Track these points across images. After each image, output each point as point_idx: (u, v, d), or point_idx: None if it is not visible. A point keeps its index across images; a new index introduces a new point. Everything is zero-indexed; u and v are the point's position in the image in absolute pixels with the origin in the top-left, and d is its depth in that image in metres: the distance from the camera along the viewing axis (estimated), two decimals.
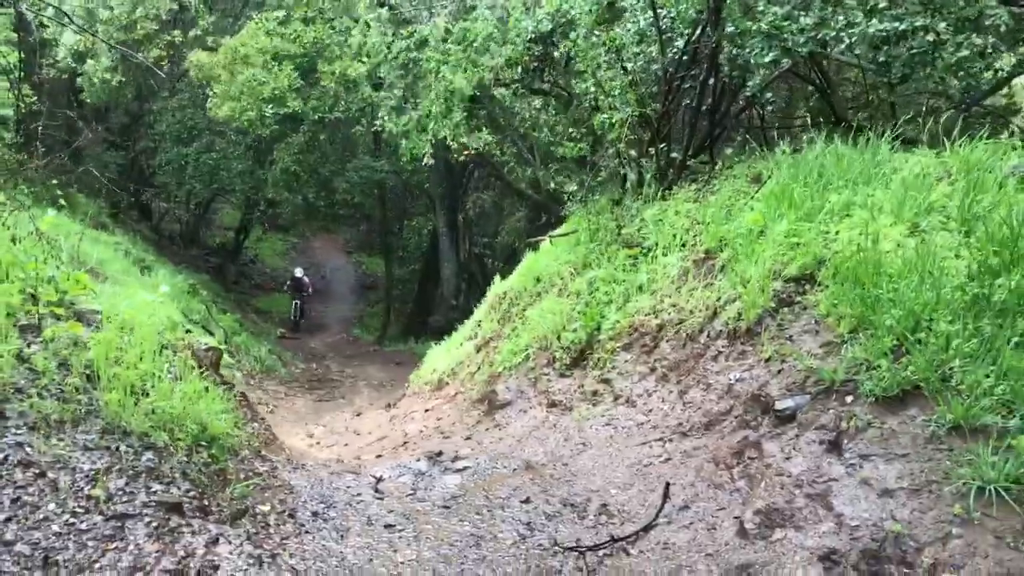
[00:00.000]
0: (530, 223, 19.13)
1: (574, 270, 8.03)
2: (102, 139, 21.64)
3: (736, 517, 3.93)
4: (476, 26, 9.12)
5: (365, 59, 11.34)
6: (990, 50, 8.91)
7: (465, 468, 5.34)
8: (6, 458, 3.58)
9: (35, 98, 12.46)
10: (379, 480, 5.20)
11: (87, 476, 3.71)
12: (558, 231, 9.26)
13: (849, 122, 9.71)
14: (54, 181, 9.94)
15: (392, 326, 23.93)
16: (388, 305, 24.52)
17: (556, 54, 8.14)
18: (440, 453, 5.73)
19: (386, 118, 10.77)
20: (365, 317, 27.14)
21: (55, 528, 3.33)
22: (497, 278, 10.81)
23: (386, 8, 12.19)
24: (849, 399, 4.17)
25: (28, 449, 3.69)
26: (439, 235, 20.02)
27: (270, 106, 13.67)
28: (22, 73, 11.34)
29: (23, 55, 11.93)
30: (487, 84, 9.75)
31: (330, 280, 32.01)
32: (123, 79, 15.35)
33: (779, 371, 4.81)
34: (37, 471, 3.60)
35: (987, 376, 3.79)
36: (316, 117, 15.26)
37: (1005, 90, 11.36)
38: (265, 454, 5.44)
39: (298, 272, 23.96)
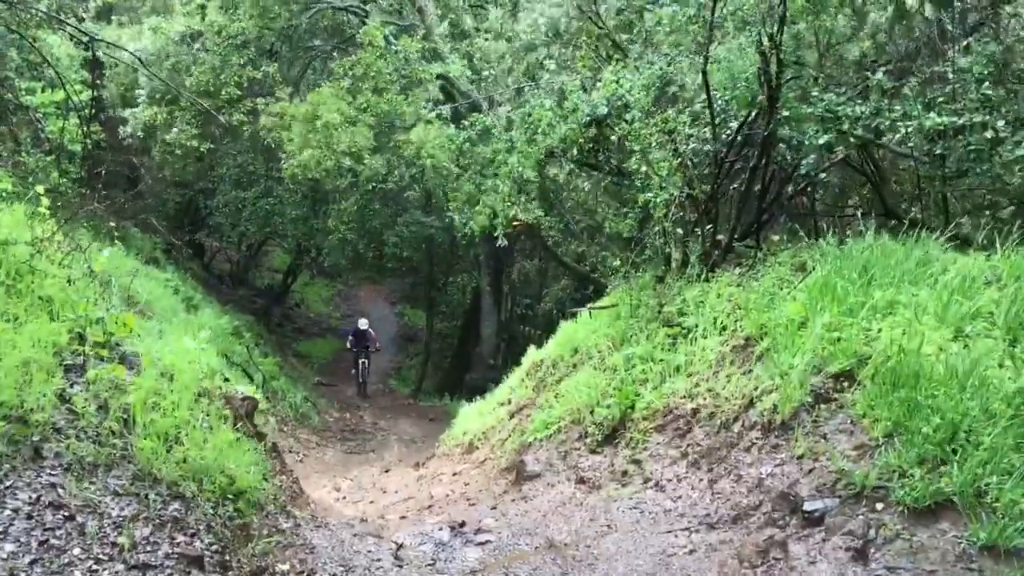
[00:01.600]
0: (572, 293, 19.22)
1: (612, 344, 8.03)
2: (163, 177, 22.30)
3: None
4: (538, 112, 9.30)
5: (428, 154, 11.67)
6: None
7: (487, 542, 5.31)
8: (39, 498, 3.65)
9: (103, 135, 12.94)
10: (400, 547, 5.19)
11: (114, 522, 3.76)
12: (599, 304, 9.28)
13: (900, 216, 9.68)
14: (111, 223, 10.25)
15: (428, 380, 23.96)
16: (426, 358, 24.56)
17: (612, 137, 8.25)
18: (463, 524, 5.71)
19: (456, 217, 11.15)
20: (403, 369, 27.21)
21: (78, 574, 3.37)
22: (531, 347, 10.83)
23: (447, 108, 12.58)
24: (879, 506, 4.09)
25: (60, 491, 3.75)
26: (482, 294, 20.14)
27: (347, 159, 13.98)
28: (92, 111, 11.80)
29: (95, 93, 12.42)
30: (542, 162, 9.93)
31: (373, 329, 32.23)
32: (205, 145, 15.98)
33: (810, 470, 4.74)
34: (67, 514, 3.66)
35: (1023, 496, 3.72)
36: (370, 187, 15.56)
37: None
38: (290, 509, 5.47)
39: (363, 324, 20.81)
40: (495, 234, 11.23)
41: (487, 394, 13.83)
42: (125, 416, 4.47)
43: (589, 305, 9.28)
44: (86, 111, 11.03)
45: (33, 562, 3.32)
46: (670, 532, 5.25)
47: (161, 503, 4.07)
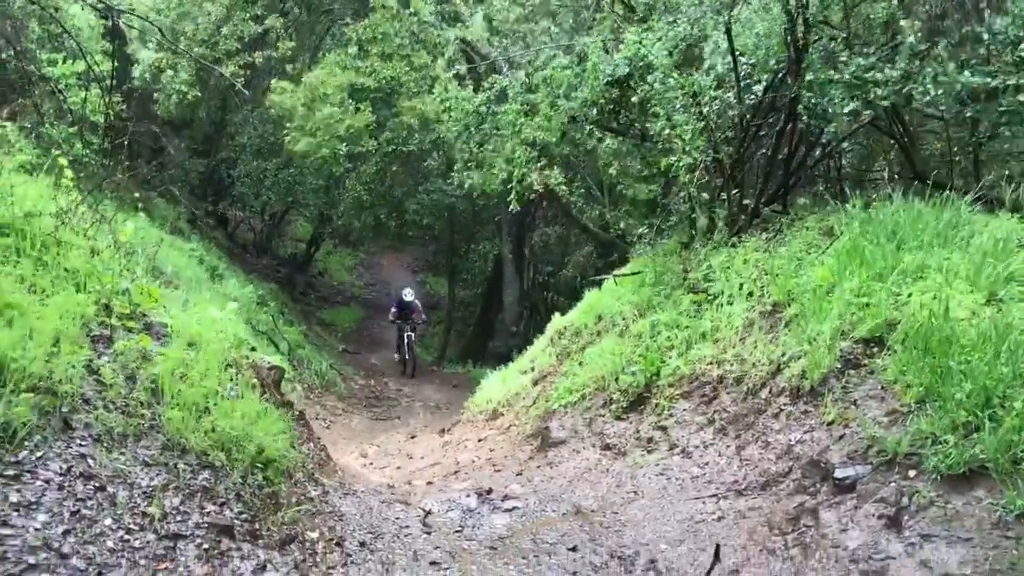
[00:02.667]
0: (595, 260, 19.11)
1: (637, 311, 7.98)
2: (185, 147, 22.30)
3: None
4: (560, 74, 9.16)
5: (448, 116, 11.51)
6: None
7: (514, 508, 5.32)
8: (69, 469, 3.67)
9: (124, 106, 12.91)
10: (428, 513, 5.21)
11: (144, 492, 3.78)
12: (623, 271, 9.21)
13: (929, 179, 9.50)
14: (136, 194, 10.25)
15: (451, 348, 24.02)
16: (449, 326, 24.61)
17: (633, 98, 8.12)
18: (490, 491, 5.72)
19: (465, 174, 10.93)
20: (426, 336, 27.29)
21: (110, 544, 3.40)
22: (557, 313, 10.79)
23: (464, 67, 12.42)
24: (912, 473, 4.05)
25: (91, 461, 3.78)
26: (504, 262, 20.08)
27: (344, 144, 13.89)
28: (114, 82, 11.77)
29: (116, 63, 12.38)
30: (563, 125, 9.79)
31: (394, 298, 32.34)
32: (199, 94, 15.81)
33: (840, 436, 4.70)
34: (97, 484, 3.68)
35: None
36: (390, 149, 15.46)
37: None
38: (318, 477, 5.49)
39: (408, 295, 18.86)
40: (508, 200, 11.13)
41: (510, 362, 13.87)
42: (153, 386, 4.48)
43: (614, 272, 9.20)
44: (107, 82, 10.98)
45: (66, 532, 3.35)
46: (698, 499, 5.24)
47: (191, 473, 4.10)
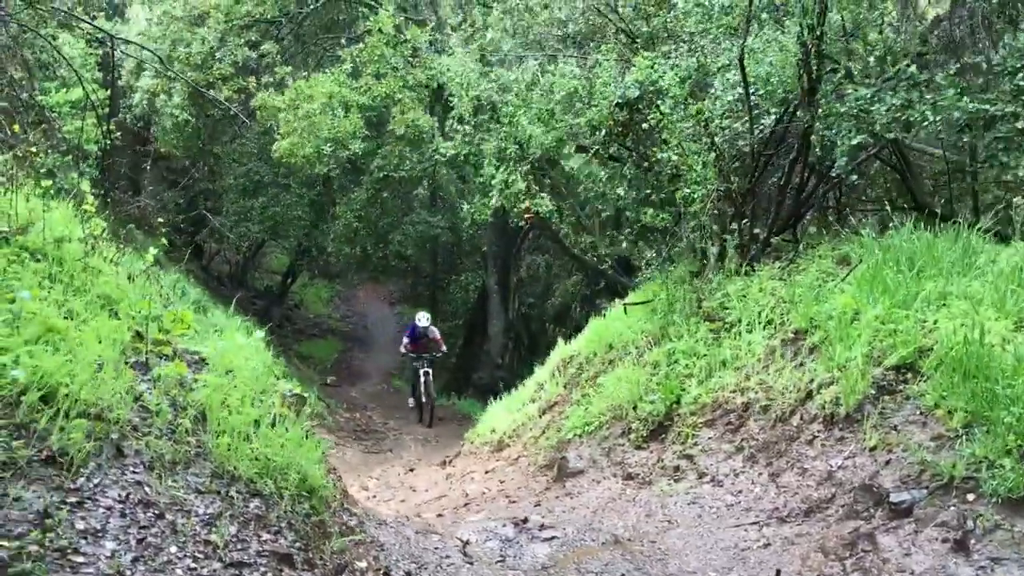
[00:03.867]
0: (583, 288, 19.14)
1: (652, 340, 7.97)
2: (163, 178, 22.13)
3: None
4: (561, 81, 9.22)
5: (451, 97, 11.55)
6: None
7: (553, 538, 5.25)
8: (128, 496, 3.57)
9: (119, 135, 12.82)
10: (466, 544, 5.12)
11: (202, 520, 3.69)
12: (632, 299, 9.22)
13: (929, 208, 9.66)
14: (132, 224, 10.18)
15: (434, 380, 23.87)
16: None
17: (644, 124, 8.18)
18: (526, 520, 5.64)
19: (487, 162, 10.90)
20: (406, 370, 27.12)
21: (179, 572, 3.30)
22: (560, 342, 10.76)
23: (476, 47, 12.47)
24: (970, 497, 4.06)
25: (147, 489, 3.67)
26: (489, 293, 20.05)
27: (328, 145, 13.84)
28: (108, 111, 11.68)
29: (111, 92, 12.31)
30: (561, 145, 9.85)
31: (372, 330, 32.14)
32: (192, 118, 15.74)
33: (887, 462, 4.71)
34: (157, 512, 3.58)
35: None
36: (381, 175, 15.46)
37: None
38: (347, 507, 5.39)
39: (423, 320, 15.99)
40: (512, 211, 11.12)
41: (496, 394, 13.85)
42: (197, 413, 4.39)
43: (624, 300, 9.21)
44: (101, 110, 10.88)
45: (135, 560, 3.24)
46: (738, 527, 5.20)
47: (242, 501, 4.00)
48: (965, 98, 8.07)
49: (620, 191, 9.18)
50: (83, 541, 3.22)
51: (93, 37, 11.17)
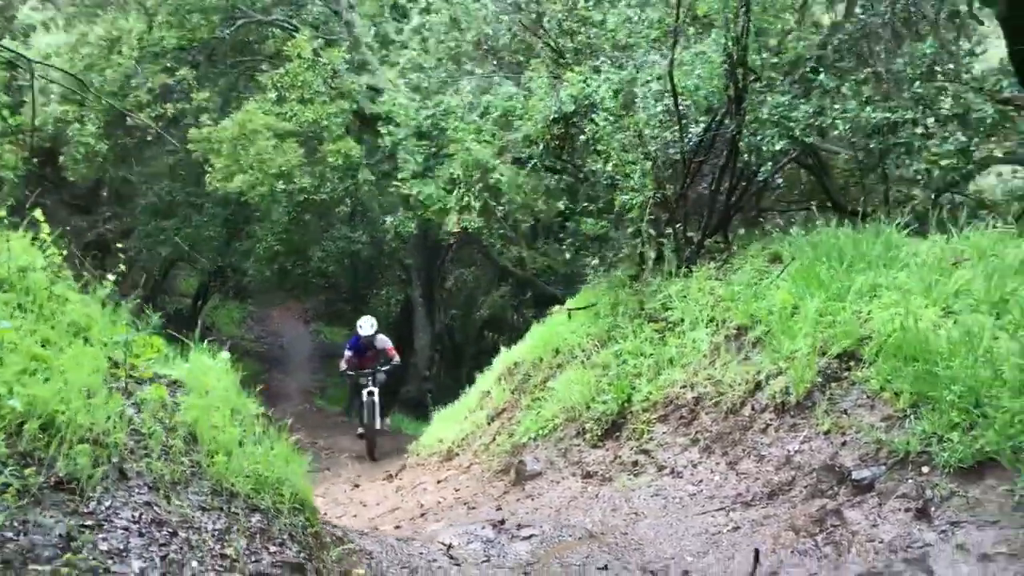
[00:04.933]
0: (511, 299, 19.40)
1: (598, 342, 8.25)
2: (67, 203, 21.51)
3: None
4: (497, 101, 9.44)
5: (393, 124, 11.59)
6: (972, 148, 9.56)
7: (532, 536, 5.44)
8: (141, 516, 3.62)
9: (34, 161, 12.50)
10: (450, 547, 5.27)
11: (213, 536, 3.76)
12: (575, 303, 9.50)
13: (844, 206, 10.24)
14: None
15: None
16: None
17: (581, 137, 8.49)
18: (503, 521, 5.82)
19: (411, 182, 10.91)
20: (328, 387, 26.87)
21: None
22: (503, 348, 10.97)
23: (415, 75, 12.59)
24: (925, 469, 4.42)
25: (156, 508, 3.73)
26: (414, 306, 20.11)
27: (280, 182, 13.80)
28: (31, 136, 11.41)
29: (32, 118, 12.00)
30: (496, 160, 10.08)
31: (288, 350, 31.73)
32: (107, 145, 15.43)
33: (843, 443, 5.06)
34: (170, 530, 3.64)
35: None
36: (302, 198, 15.44)
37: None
38: (328, 519, 5.49)
39: (366, 327, 13.15)
40: (448, 228, 11.28)
41: (428, 406, 13.90)
42: (187, 434, 4.44)
43: (567, 305, 9.48)
44: (22, 137, 10.63)
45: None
46: (705, 513, 5.49)
47: (244, 516, 4.08)
48: (868, 107, 8.62)
49: (560, 204, 9.47)
50: (110, 561, 3.27)
51: (6, 60, 10.87)
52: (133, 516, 3.59)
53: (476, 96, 10.32)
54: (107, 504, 3.60)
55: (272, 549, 3.93)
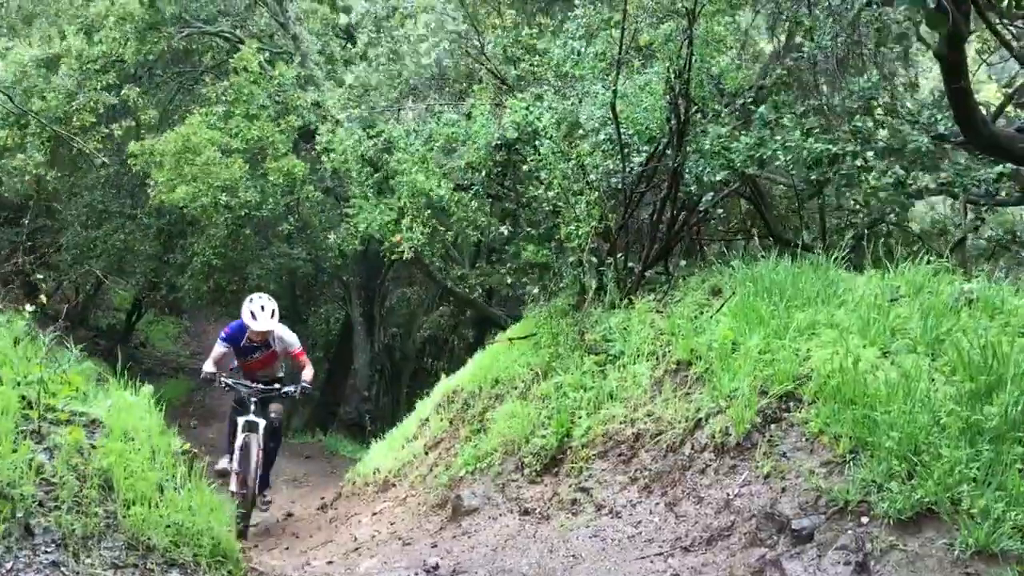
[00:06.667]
0: (450, 320, 19.23)
1: (538, 373, 8.14)
2: None
3: None
4: (440, 128, 9.35)
5: (332, 155, 11.39)
6: (910, 180, 9.71)
7: None
8: None
9: None
10: None
11: None
12: (515, 332, 9.39)
13: (781, 237, 10.32)
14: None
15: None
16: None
17: (524, 167, 8.43)
18: (437, 566, 5.65)
19: (360, 217, 10.71)
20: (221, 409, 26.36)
21: None
22: (443, 375, 10.81)
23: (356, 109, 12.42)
24: (864, 520, 4.38)
25: (63, 569, 3.51)
26: (353, 325, 19.82)
27: (223, 194, 13.49)
28: None
29: None
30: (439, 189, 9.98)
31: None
32: (55, 173, 15.07)
33: (783, 489, 5.00)
34: None
35: (996, 502, 4.06)
36: (242, 213, 15.13)
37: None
38: (253, 566, 5.27)
39: (261, 312, 8.38)
40: (395, 249, 11.14)
41: (367, 428, 13.59)
42: (102, 482, 4.20)
43: (508, 333, 9.37)
44: None
45: None
46: (643, 558, 5.39)
47: (161, 572, 3.86)
48: (810, 139, 8.70)
49: (504, 230, 9.40)
50: None
51: None
52: None
53: (420, 123, 10.20)
54: (8, 566, 3.37)
55: None
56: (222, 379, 8.61)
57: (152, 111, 14.76)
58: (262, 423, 8.51)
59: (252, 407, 8.52)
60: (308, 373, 8.97)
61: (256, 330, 8.49)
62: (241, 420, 8.47)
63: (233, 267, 18.79)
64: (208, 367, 8.62)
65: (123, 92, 14.77)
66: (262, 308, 8.49)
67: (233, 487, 8.48)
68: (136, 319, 27.75)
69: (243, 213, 14.77)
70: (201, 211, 13.72)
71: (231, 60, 14.01)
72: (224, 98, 13.68)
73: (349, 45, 16.66)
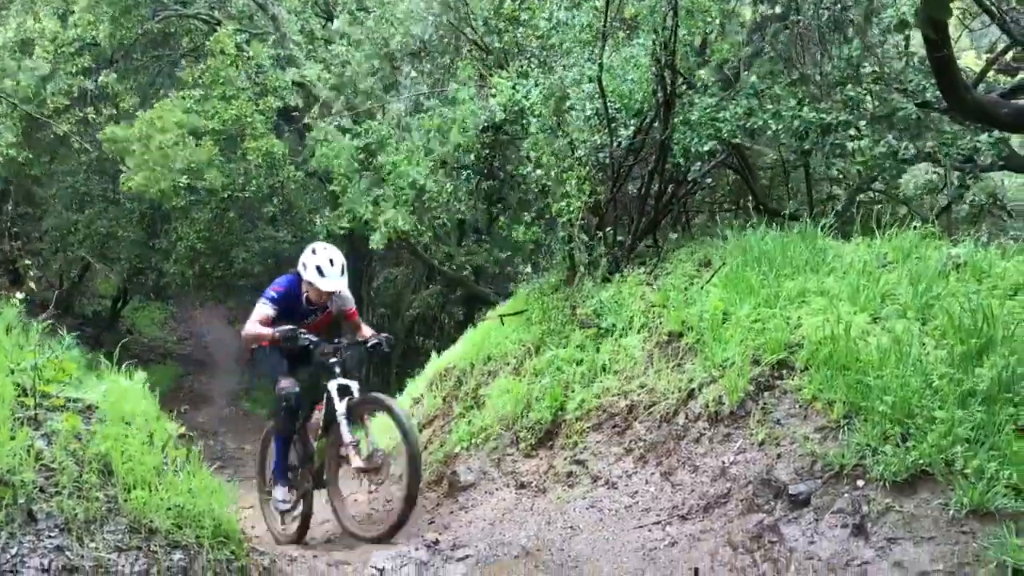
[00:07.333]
0: (440, 299, 19.20)
1: (531, 349, 8.16)
2: None
3: None
4: (431, 123, 9.31)
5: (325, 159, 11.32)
6: (901, 151, 9.72)
7: (467, 557, 5.32)
8: (51, 564, 3.41)
9: None
10: (382, 572, 5.13)
11: None
12: (506, 309, 9.40)
13: (769, 207, 10.34)
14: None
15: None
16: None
17: (512, 146, 8.41)
18: (437, 541, 5.68)
19: (347, 200, 10.64)
20: (253, 390, 26.29)
21: None
22: (434, 353, 10.82)
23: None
24: (861, 483, 4.43)
25: (68, 553, 3.52)
26: None
27: (184, 177, 13.37)
28: None
29: None
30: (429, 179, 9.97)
31: (212, 351, 31.00)
32: (25, 152, 14.84)
33: (779, 455, 5.05)
34: None
35: (989, 461, 4.12)
36: (226, 195, 14.99)
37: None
38: (255, 546, 5.28)
39: (331, 267, 6.92)
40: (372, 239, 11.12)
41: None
42: (102, 467, 4.20)
43: (499, 310, 9.38)
44: None
45: None
46: (641, 527, 5.44)
47: (165, 554, 3.88)
48: (804, 108, 8.69)
49: (491, 208, 9.40)
50: None
51: None
52: (42, 564, 3.38)
53: (408, 113, 10.15)
54: (13, 552, 3.38)
55: None
56: (301, 334, 6.65)
57: (132, 97, 14.59)
58: (355, 385, 6.83)
59: (335, 365, 6.90)
60: (368, 331, 7.60)
61: (324, 290, 6.96)
62: (333, 385, 6.74)
63: (218, 251, 18.70)
64: (259, 329, 6.77)
65: (101, 78, 14.60)
66: (331, 262, 6.91)
67: (359, 463, 6.55)
68: (122, 306, 27.60)
69: (226, 195, 14.67)
70: (160, 195, 13.59)
71: (208, 43, 13.86)
72: (201, 81, 13.54)
73: (330, 24, 16.49)
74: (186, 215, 16.54)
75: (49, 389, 4.74)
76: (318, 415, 7.09)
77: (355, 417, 6.81)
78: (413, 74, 12.83)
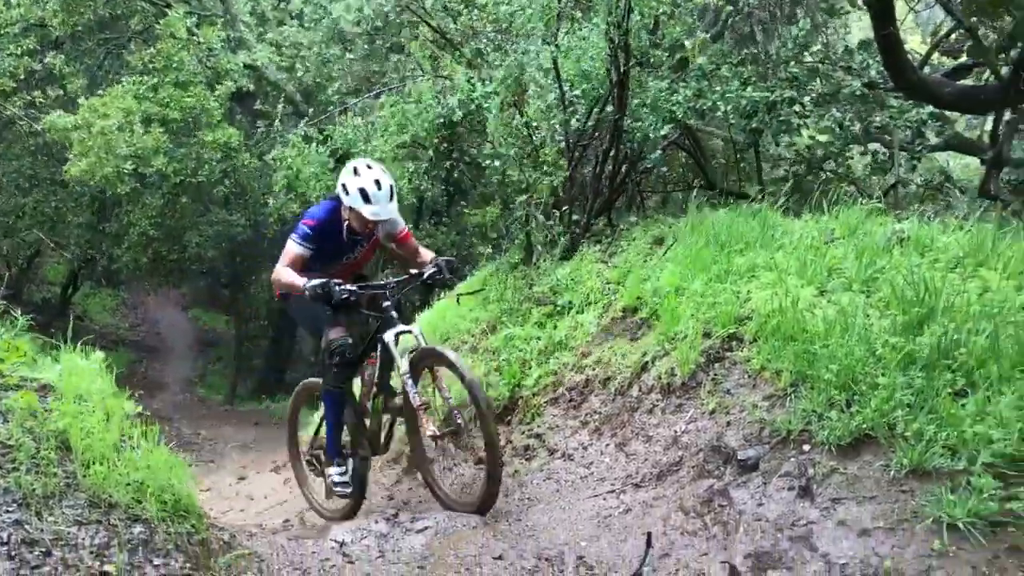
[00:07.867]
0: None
1: (487, 327, 8.25)
2: None
3: (724, 561, 4.23)
4: (394, 119, 9.32)
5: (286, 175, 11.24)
6: (847, 123, 9.94)
7: (426, 528, 5.39)
8: (10, 537, 3.42)
9: None
10: (343, 544, 5.18)
11: (91, 552, 3.58)
12: (464, 288, 9.46)
13: (721, 187, 10.52)
14: None
15: (242, 385, 23.13)
16: (238, 363, 23.66)
17: (467, 137, 8.49)
18: (397, 514, 5.74)
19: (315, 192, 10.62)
20: (208, 376, 26.13)
21: None
22: None
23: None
24: (806, 448, 4.58)
25: (27, 527, 3.52)
26: None
27: (128, 163, 13.19)
28: None
29: None
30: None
31: (165, 337, 30.70)
32: None
33: (728, 423, 5.20)
34: (44, 549, 3.45)
35: (928, 424, 4.29)
36: (177, 180, 14.80)
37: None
38: (213, 522, 5.30)
39: (377, 190, 5.46)
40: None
41: (316, 394, 13.44)
42: (59, 444, 4.20)
43: (457, 290, 9.43)
44: None
45: None
46: (596, 496, 5.57)
47: (125, 528, 3.89)
48: (749, 88, 8.85)
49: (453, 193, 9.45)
50: None
51: None
52: (1, 538, 3.39)
53: (367, 112, 10.15)
54: None
55: (156, 562, 3.77)
56: (336, 287, 5.41)
57: (80, 79, 14.33)
58: (417, 330, 6.03)
59: (391, 311, 5.89)
60: (427, 254, 6.38)
61: (371, 219, 5.65)
62: (391, 335, 5.82)
63: (171, 236, 18.46)
64: (288, 276, 5.65)
65: (48, 59, 14.32)
66: (378, 184, 5.59)
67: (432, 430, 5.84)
68: (72, 292, 27.15)
69: (178, 181, 14.49)
70: (105, 182, 13.41)
71: (158, 26, 13.65)
72: (152, 66, 13.35)
73: (282, 4, 16.35)
74: (137, 200, 16.30)
75: (2, 368, 4.72)
76: (371, 370, 6.29)
77: (418, 372, 5.91)
78: (349, 56, 12.72)
